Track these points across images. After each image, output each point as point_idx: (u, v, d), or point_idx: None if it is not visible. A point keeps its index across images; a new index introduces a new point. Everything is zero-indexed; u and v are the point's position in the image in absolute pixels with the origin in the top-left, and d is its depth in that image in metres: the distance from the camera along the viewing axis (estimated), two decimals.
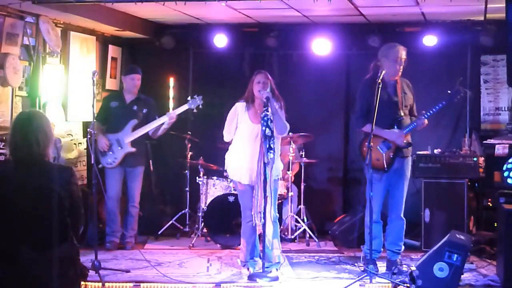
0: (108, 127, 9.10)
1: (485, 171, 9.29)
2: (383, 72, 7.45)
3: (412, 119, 7.84)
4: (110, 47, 10.58)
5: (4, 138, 7.83)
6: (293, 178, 9.76)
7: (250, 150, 7.63)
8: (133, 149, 8.97)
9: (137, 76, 9.19)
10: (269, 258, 7.59)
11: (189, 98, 8.97)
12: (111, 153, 8.95)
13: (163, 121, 8.93)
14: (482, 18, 9.61)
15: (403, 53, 7.73)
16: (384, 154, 7.68)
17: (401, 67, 7.73)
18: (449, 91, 7.85)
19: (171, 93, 11.06)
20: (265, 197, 7.35)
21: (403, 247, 7.98)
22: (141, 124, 9.02)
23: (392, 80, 7.76)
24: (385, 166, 7.68)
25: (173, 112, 9.01)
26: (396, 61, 7.68)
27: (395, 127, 7.70)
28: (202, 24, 10.48)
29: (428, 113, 7.74)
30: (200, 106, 8.90)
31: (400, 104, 7.76)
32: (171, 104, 11.06)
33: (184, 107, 8.96)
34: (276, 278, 7.45)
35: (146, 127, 8.99)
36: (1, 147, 7.90)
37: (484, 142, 9.63)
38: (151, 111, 9.18)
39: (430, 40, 9.92)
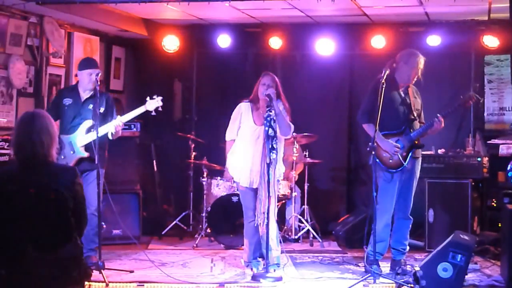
0: (60, 126, 7.90)
1: (489, 171, 9.29)
2: (387, 72, 7.44)
3: (421, 125, 7.82)
4: (114, 47, 10.60)
5: (8, 138, 7.85)
6: (296, 177, 9.76)
7: (251, 151, 7.62)
8: (86, 154, 7.76)
9: (94, 71, 7.82)
10: (276, 257, 7.62)
11: (148, 98, 7.91)
12: (62, 157, 7.74)
13: (112, 127, 7.78)
14: (486, 18, 9.61)
15: (422, 63, 7.72)
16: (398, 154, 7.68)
17: (417, 76, 7.72)
18: (461, 96, 7.85)
19: (175, 93, 11.10)
20: (269, 198, 7.36)
21: (408, 247, 7.96)
22: (97, 125, 7.67)
23: (405, 85, 7.76)
24: (403, 163, 7.65)
25: (123, 117, 7.82)
26: (414, 69, 7.67)
27: (407, 128, 7.69)
28: (206, 24, 10.48)
29: (443, 113, 7.71)
30: (160, 108, 7.91)
31: (412, 106, 7.76)
32: (176, 104, 11.08)
33: (141, 109, 7.89)
34: (279, 279, 7.45)
35: (101, 129, 7.69)
36: (5, 147, 7.91)
37: (488, 142, 9.63)
38: (109, 110, 7.97)
39: (433, 40, 9.91)
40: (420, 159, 7.94)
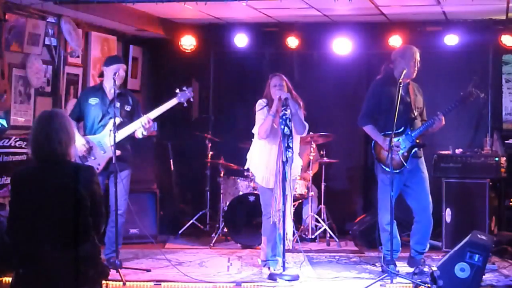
0: (86, 126, 7.87)
1: (507, 171, 9.24)
2: (404, 71, 7.43)
3: (424, 122, 7.80)
4: (131, 47, 10.62)
5: (26, 137, 7.88)
6: (311, 174, 9.73)
7: (275, 151, 7.61)
8: (118, 153, 7.59)
9: (123, 67, 7.87)
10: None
11: (177, 90, 7.88)
12: (93, 158, 7.69)
13: (142, 123, 7.74)
14: (504, 17, 9.56)
15: (418, 54, 7.71)
16: (399, 153, 7.64)
17: (416, 68, 7.70)
18: (461, 93, 7.81)
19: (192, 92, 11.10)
20: (284, 196, 7.36)
21: (428, 246, 7.94)
22: (124, 123, 7.76)
23: (405, 82, 7.73)
24: (404, 164, 7.63)
25: (151, 114, 7.80)
26: (413, 62, 7.65)
27: (408, 127, 7.66)
28: (223, 23, 10.49)
29: (444, 111, 7.67)
30: (191, 99, 7.91)
31: (413, 104, 7.73)
32: (193, 103, 11.06)
33: (173, 102, 7.84)
34: (296, 277, 7.45)
35: (130, 127, 7.77)
36: (23, 146, 7.95)
37: (506, 142, 9.60)
38: (135, 108, 7.96)
39: (451, 40, 9.87)
40: (423, 158, 7.89)
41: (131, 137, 7.88)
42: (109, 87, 7.78)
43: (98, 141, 7.71)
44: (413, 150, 7.68)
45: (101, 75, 8.02)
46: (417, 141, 7.71)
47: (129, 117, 7.84)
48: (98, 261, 4.94)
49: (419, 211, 7.82)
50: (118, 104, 7.73)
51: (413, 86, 7.85)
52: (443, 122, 7.67)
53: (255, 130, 7.78)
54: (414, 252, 7.87)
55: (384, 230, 7.66)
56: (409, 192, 7.83)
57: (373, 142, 7.81)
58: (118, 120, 7.65)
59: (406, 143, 7.65)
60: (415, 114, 7.75)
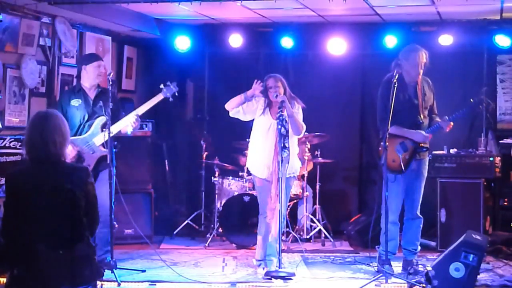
0: (70, 129, 7.23)
1: (502, 171, 9.26)
2: (397, 75, 7.40)
3: (434, 117, 7.77)
4: (126, 47, 10.61)
5: (20, 138, 7.87)
6: (304, 170, 9.71)
7: (269, 144, 7.62)
8: (106, 151, 7.51)
9: (102, 63, 7.83)
10: (274, 251, 7.63)
11: (162, 86, 7.83)
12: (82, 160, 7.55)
13: (131, 120, 7.66)
14: (498, 17, 9.58)
15: (424, 56, 7.63)
16: (400, 156, 7.63)
17: (421, 70, 7.67)
18: (471, 99, 7.80)
19: (187, 93, 11.10)
20: (280, 196, 7.37)
21: (419, 247, 7.95)
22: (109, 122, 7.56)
23: (413, 82, 7.71)
24: (403, 168, 7.62)
25: (139, 110, 7.73)
26: (416, 65, 7.60)
27: (413, 129, 7.65)
28: (217, 24, 10.49)
29: (451, 117, 7.65)
30: (176, 94, 7.85)
31: (420, 107, 7.69)
32: (188, 103, 11.06)
33: (158, 97, 7.80)
34: (292, 274, 7.47)
35: (119, 124, 7.62)
36: (18, 147, 7.94)
37: (501, 141, 9.60)
38: (117, 105, 7.84)
39: (446, 40, 9.88)
40: (427, 159, 7.88)
41: (116, 136, 7.74)
42: (89, 85, 7.72)
43: (85, 142, 7.61)
44: (416, 153, 7.68)
45: (78, 75, 7.87)
46: (421, 144, 7.68)
47: (113, 114, 7.61)
48: (92, 262, 4.93)
49: (410, 209, 7.83)
50: (101, 103, 7.65)
51: (423, 83, 7.78)
52: (450, 127, 7.65)
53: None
54: (406, 252, 7.87)
55: (387, 229, 7.62)
56: (405, 190, 7.83)
57: (377, 142, 7.79)
58: (103, 118, 7.59)
59: (409, 146, 7.64)
60: (422, 116, 7.70)
